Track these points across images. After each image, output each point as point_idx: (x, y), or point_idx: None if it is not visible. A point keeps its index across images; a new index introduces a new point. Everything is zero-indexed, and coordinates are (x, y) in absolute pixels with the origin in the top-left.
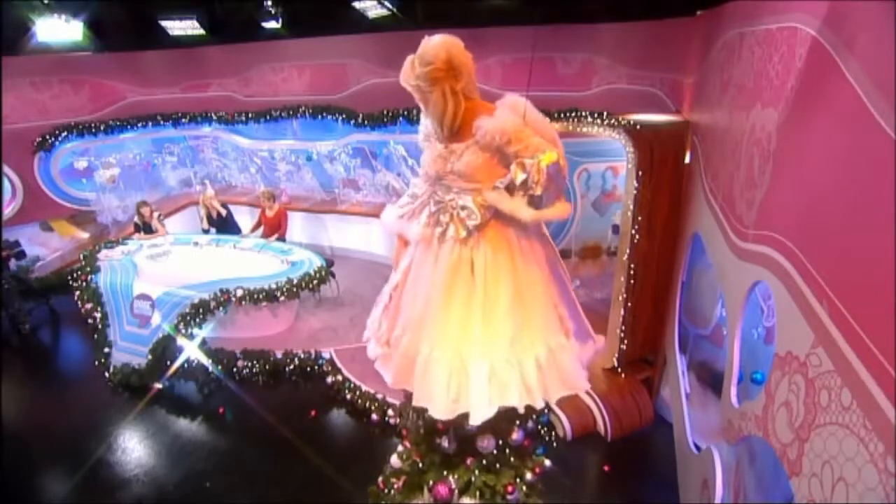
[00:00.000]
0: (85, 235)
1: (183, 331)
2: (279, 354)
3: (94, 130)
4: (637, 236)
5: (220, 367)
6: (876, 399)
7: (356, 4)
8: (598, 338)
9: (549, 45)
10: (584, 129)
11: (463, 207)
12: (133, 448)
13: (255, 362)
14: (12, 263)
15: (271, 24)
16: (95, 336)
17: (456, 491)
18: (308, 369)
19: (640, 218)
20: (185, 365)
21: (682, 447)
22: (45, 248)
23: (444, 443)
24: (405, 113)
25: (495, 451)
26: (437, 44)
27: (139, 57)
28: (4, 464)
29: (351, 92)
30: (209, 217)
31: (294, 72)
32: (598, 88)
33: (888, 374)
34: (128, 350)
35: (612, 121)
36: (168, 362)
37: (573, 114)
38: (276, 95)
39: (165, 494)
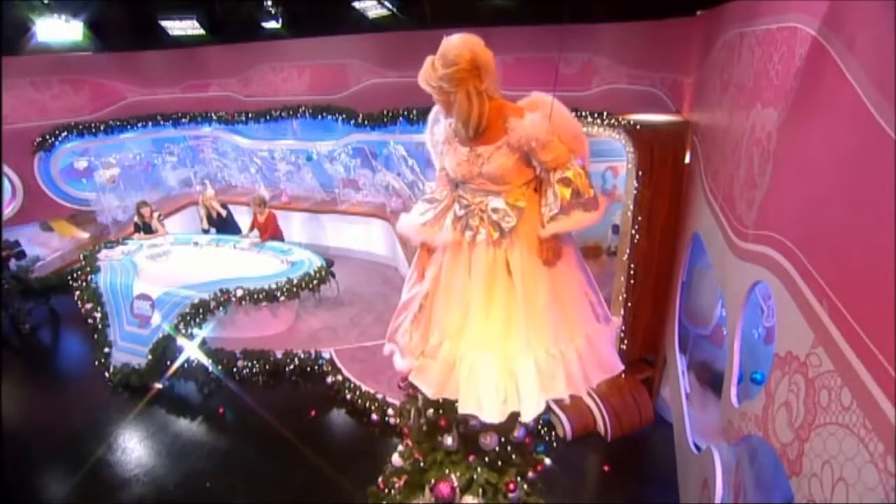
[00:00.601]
0: (85, 235)
1: (183, 331)
2: (279, 354)
3: (94, 130)
4: (637, 236)
5: (220, 367)
6: (876, 399)
7: (356, 4)
8: (613, 318)
9: (549, 44)
10: (584, 129)
11: (494, 210)
12: (133, 448)
13: (255, 362)
14: (12, 263)
15: (271, 24)
16: (95, 336)
17: (458, 489)
18: (308, 369)
19: (640, 218)
20: (185, 365)
21: (682, 447)
22: (45, 248)
23: (447, 441)
24: (405, 113)
25: (497, 449)
26: (460, 43)
27: (139, 57)
28: (4, 464)
29: (351, 92)
30: (209, 217)
31: (294, 72)
32: (598, 88)
33: (888, 374)
34: (128, 350)
35: (612, 121)
36: (168, 362)
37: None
38: (276, 95)
39: (165, 494)
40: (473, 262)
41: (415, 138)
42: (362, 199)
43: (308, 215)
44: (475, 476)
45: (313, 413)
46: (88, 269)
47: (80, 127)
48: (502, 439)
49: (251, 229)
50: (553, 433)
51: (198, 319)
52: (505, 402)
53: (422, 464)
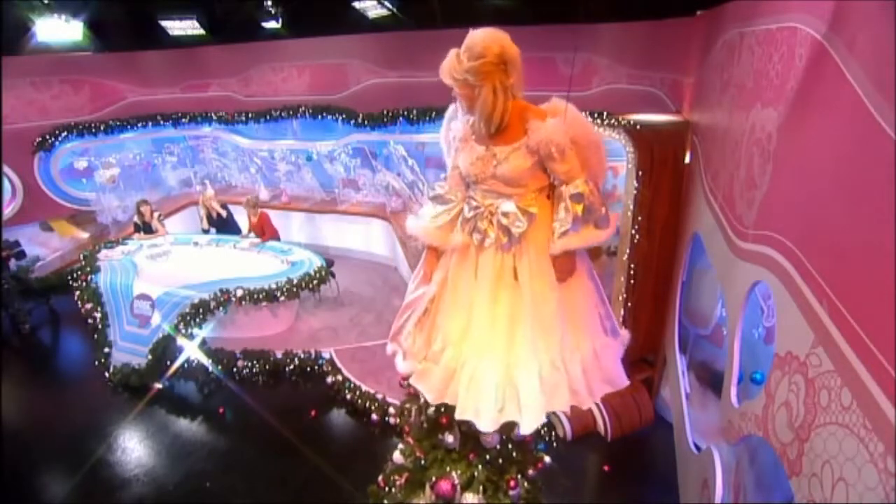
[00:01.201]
0: (85, 235)
1: (183, 331)
2: (279, 354)
3: (94, 130)
4: (637, 236)
5: (220, 367)
6: (876, 399)
7: (356, 4)
8: (623, 332)
9: (549, 45)
10: None
11: (505, 214)
12: (133, 448)
13: (255, 362)
14: (12, 263)
15: (271, 24)
16: (95, 336)
17: (459, 487)
18: (308, 369)
19: (640, 218)
20: (185, 365)
21: (682, 447)
22: (45, 248)
23: (448, 439)
24: (405, 113)
25: (498, 447)
26: (489, 36)
27: (139, 57)
28: (4, 464)
29: (351, 92)
30: (209, 217)
31: (294, 72)
32: (598, 88)
33: (888, 374)
34: (128, 350)
35: (612, 121)
36: (168, 362)
37: None
38: (276, 95)
39: (165, 494)
40: (480, 266)
41: (415, 138)
42: (362, 199)
43: (308, 215)
44: (476, 474)
45: (313, 413)
46: (88, 269)
47: (80, 127)
48: (503, 437)
49: (250, 230)
50: (553, 433)
51: (198, 319)
52: (501, 412)
53: (423, 462)
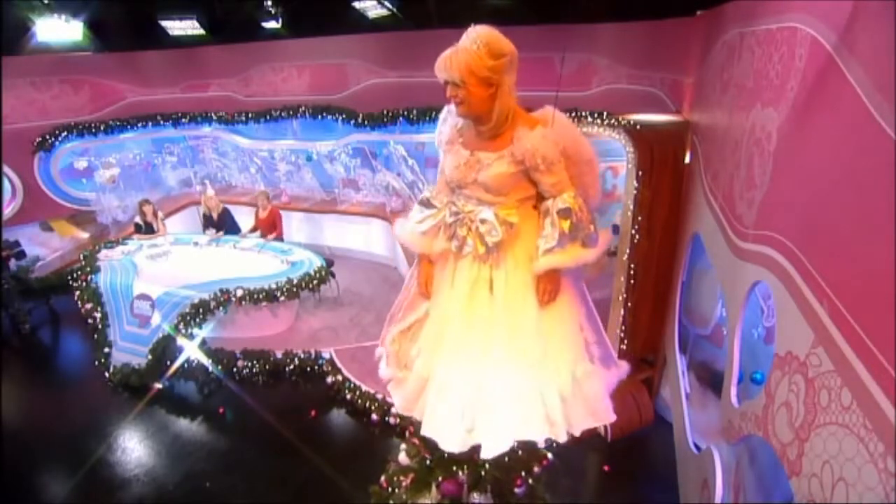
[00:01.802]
0: (85, 235)
1: (183, 331)
2: (279, 354)
3: (94, 130)
4: (637, 236)
5: (220, 367)
6: (876, 399)
7: (356, 4)
8: (620, 363)
9: (549, 45)
10: (584, 129)
11: (483, 221)
12: (133, 448)
13: (255, 362)
14: (12, 263)
15: (271, 24)
16: (95, 336)
17: (466, 487)
18: (308, 369)
19: (640, 218)
20: (185, 365)
21: (682, 447)
22: (45, 248)
23: None
24: (405, 113)
25: None
26: (500, 35)
27: (139, 57)
28: (4, 464)
29: (351, 92)
30: (209, 218)
31: (294, 72)
32: (598, 88)
33: (888, 374)
34: (128, 350)
35: (612, 121)
36: (168, 362)
37: (573, 114)
38: (276, 95)
39: (165, 494)
40: (457, 274)
41: (415, 138)
42: (362, 199)
43: (308, 215)
44: (483, 473)
45: (313, 413)
46: (88, 269)
47: (80, 127)
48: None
49: (253, 229)
50: None
51: (198, 319)
52: (471, 432)
53: (428, 462)
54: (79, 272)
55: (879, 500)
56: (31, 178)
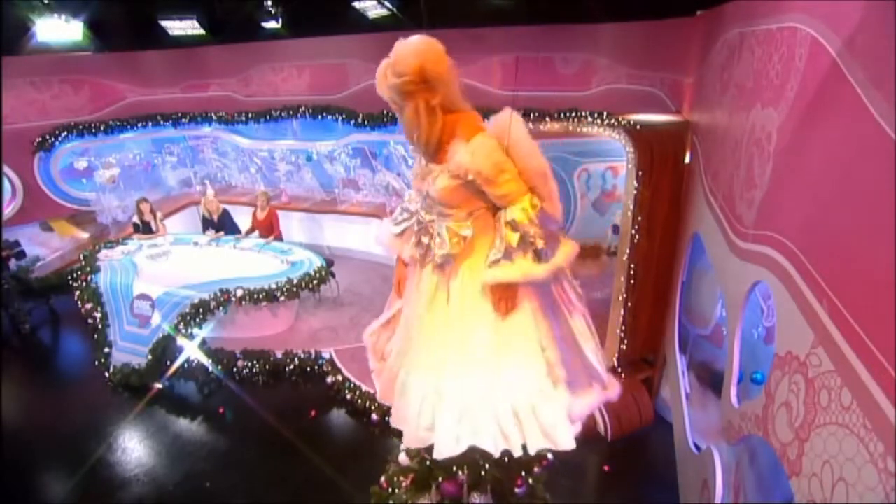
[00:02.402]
0: (85, 235)
1: (183, 331)
2: (279, 354)
3: (94, 130)
4: (637, 236)
5: (220, 367)
6: (876, 399)
7: (356, 4)
8: (609, 386)
9: (549, 45)
10: (584, 129)
11: (438, 233)
12: (133, 448)
13: (255, 362)
14: (12, 263)
15: (271, 24)
16: (95, 336)
17: (466, 487)
18: (308, 369)
19: (640, 218)
20: (185, 365)
21: (682, 447)
22: (45, 248)
23: None
24: None
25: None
26: (410, 51)
27: (139, 57)
28: (4, 464)
29: (351, 92)
30: (209, 220)
31: (294, 72)
32: (598, 88)
33: (888, 374)
34: (128, 350)
35: (612, 121)
36: (168, 362)
37: (573, 114)
38: (276, 95)
39: (165, 494)
40: (421, 280)
41: None
42: (362, 199)
43: (308, 215)
44: (483, 474)
45: (313, 413)
46: (88, 269)
47: (80, 127)
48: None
49: (250, 230)
50: None
51: (198, 319)
52: (430, 430)
53: (428, 462)
54: (79, 272)
55: (879, 500)
56: (31, 178)
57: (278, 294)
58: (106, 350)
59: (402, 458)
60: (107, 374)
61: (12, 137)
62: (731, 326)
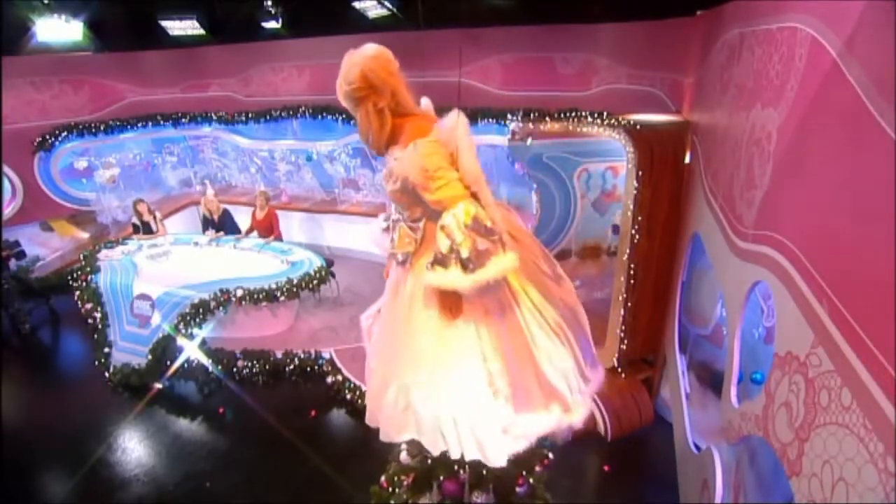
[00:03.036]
0: (85, 235)
1: (183, 331)
2: (279, 354)
3: (94, 130)
4: (637, 236)
5: (220, 367)
6: (876, 399)
7: (356, 4)
8: (574, 408)
9: (549, 45)
10: (584, 129)
11: (398, 232)
12: (133, 448)
13: (255, 362)
14: (12, 263)
15: (271, 24)
16: (95, 336)
17: (467, 486)
18: (308, 369)
19: (640, 218)
20: (185, 365)
21: (682, 447)
22: (45, 248)
23: None
24: None
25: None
26: (356, 61)
27: (139, 57)
28: (4, 464)
29: None
30: (209, 220)
31: (294, 72)
32: (598, 88)
33: (888, 374)
34: (128, 350)
35: (612, 121)
36: (168, 362)
37: (573, 114)
38: (276, 95)
39: (165, 494)
40: (390, 275)
41: None
42: (362, 199)
43: (308, 215)
44: (484, 473)
45: (313, 413)
46: (88, 269)
47: (80, 127)
48: None
49: (249, 230)
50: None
51: (198, 319)
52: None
53: (429, 461)
54: (79, 272)
55: (879, 500)
56: (31, 178)
57: (278, 294)
58: (106, 350)
59: (404, 457)
60: (107, 374)
61: (12, 137)
62: (731, 326)
